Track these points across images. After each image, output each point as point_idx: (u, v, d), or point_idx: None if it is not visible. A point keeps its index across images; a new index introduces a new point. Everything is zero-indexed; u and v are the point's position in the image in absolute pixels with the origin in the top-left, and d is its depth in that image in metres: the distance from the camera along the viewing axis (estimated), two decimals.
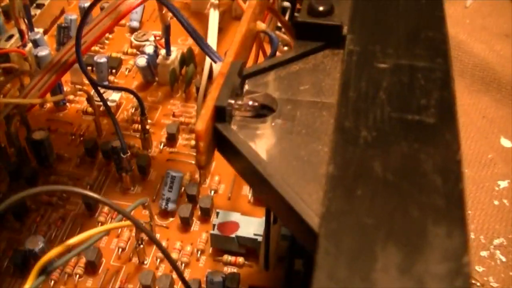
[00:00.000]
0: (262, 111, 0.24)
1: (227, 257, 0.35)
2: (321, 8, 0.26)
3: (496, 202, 0.41)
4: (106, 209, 0.38)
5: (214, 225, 0.35)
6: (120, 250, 0.36)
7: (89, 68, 0.46)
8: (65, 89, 0.45)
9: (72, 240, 0.27)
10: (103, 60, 0.45)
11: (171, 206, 0.37)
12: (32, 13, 0.48)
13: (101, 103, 0.39)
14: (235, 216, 0.35)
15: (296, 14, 0.46)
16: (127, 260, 0.36)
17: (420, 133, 0.20)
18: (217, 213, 0.36)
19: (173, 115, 0.44)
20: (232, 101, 0.23)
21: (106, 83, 0.45)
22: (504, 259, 0.38)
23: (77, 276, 0.35)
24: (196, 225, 0.37)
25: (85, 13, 0.33)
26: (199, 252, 0.36)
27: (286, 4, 0.47)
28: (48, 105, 0.45)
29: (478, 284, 0.37)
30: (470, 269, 0.16)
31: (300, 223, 0.19)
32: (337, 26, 0.26)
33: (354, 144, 0.20)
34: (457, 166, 0.19)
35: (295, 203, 0.20)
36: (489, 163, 0.44)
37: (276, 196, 0.20)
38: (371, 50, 0.24)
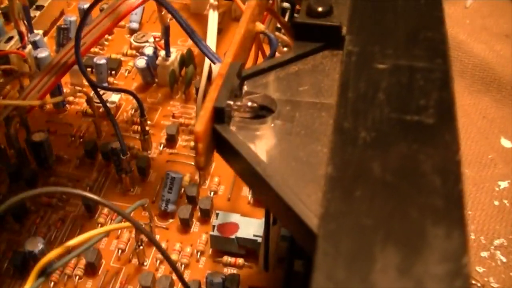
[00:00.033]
0: (261, 112, 0.24)
1: (227, 258, 0.35)
2: (320, 9, 0.26)
3: (496, 203, 0.41)
4: (106, 210, 0.38)
5: (213, 226, 0.35)
6: (120, 251, 0.36)
7: (89, 69, 0.46)
8: (64, 90, 0.45)
9: (72, 242, 0.27)
10: (103, 61, 0.45)
11: (170, 207, 0.37)
12: (32, 14, 0.48)
13: (100, 104, 0.39)
14: (235, 217, 0.35)
15: (295, 15, 0.47)
16: (127, 261, 0.36)
17: (419, 133, 0.20)
18: (217, 214, 0.35)
19: (173, 116, 0.44)
20: (231, 102, 0.23)
21: (105, 84, 0.45)
22: (504, 260, 0.38)
23: (77, 277, 0.35)
24: (196, 226, 0.37)
25: (84, 14, 0.33)
26: (199, 253, 0.36)
27: (286, 5, 0.47)
28: (48, 106, 0.45)
29: (479, 284, 0.37)
30: (469, 270, 0.16)
31: (299, 224, 0.19)
32: (336, 26, 0.26)
33: (353, 145, 0.20)
34: (456, 167, 0.19)
35: (294, 204, 0.20)
36: (489, 164, 0.44)
37: (275, 197, 0.20)
38: (370, 51, 0.24)
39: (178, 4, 0.53)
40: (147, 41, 0.49)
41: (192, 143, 0.42)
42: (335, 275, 0.16)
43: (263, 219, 0.30)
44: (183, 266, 0.35)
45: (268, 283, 0.34)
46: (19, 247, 0.35)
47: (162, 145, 0.42)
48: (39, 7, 0.51)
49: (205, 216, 0.37)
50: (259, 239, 0.34)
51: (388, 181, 0.19)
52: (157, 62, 0.46)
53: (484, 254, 0.38)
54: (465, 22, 0.55)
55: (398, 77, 0.23)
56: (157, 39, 0.47)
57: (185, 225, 0.37)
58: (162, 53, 0.45)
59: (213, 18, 0.38)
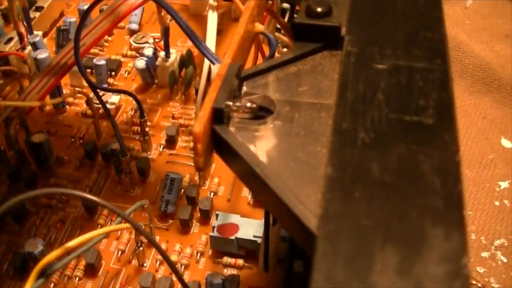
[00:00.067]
0: (260, 113, 0.24)
1: (227, 259, 0.35)
2: (319, 9, 0.26)
3: (497, 203, 0.41)
4: (105, 211, 0.38)
5: (213, 227, 0.35)
6: (119, 252, 0.36)
7: (89, 70, 0.46)
8: (64, 91, 0.45)
9: (72, 243, 0.27)
10: (102, 62, 0.45)
11: (170, 208, 0.37)
12: (31, 16, 0.48)
13: (100, 105, 0.39)
14: (235, 218, 0.35)
15: (295, 15, 0.46)
16: (126, 262, 0.36)
17: (418, 134, 0.20)
18: (217, 215, 0.35)
19: (173, 117, 0.44)
20: (230, 103, 0.23)
21: (105, 85, 0.45)
22: (505, 260, 0.38)
23: (77, 278, 0.35)
24: (195, 227, 0.37)
25: (84, 15, 0.33)
26: (198, 254, 0.36)
27: (286, 5, 0.47)
28: (48, 107, 0.45)
29: (479, 285, 0.37)
30: (469, 271, 0.16)
31: (298, 224, 0.19)
32: (335, 27, 0.26)
33: (352, 145, 0.20)
34: (456, 167, 0.19)
35: (293, 204, 0.20)
36: (489, 164, 0.44)
37: (274, 198, 0.20)
38: (369, 51, 0.24)
39: (177, 5, 0.53)
40: (146, 42, 0.49)
41: (192, 144, 0.42)
42: (335, 276, 0.16)
43: (263, 220, 0.30)
44: (183, 267, 0.35)
45: (268, 284, 0.34)
46: (19, 248, 0.35)
47: (162, 146, 0.42)
48: (39, 8, 0.51)
49: (205, 217, 0.37)
50: (259, 240, 0.34)
51: (387, 182, 0.19)
52: (157, 63, 0.46)
53: (485, 254, 0.38)
54: (465, 22, 0.55)
55: (398, 78, 0.23)
56: (156, 40, 0.48)
57: (185, 226, 0.37)
58: (161, 54, 0.45)
59: (212, 19, 0.38)
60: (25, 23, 0.44)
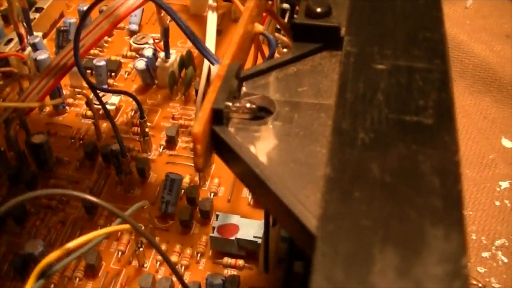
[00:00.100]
0: (260, 113, 0.24)
1: (227, 260, 0.35)
2: (318, 10, 0.26)
3: (497, 203, 0.41)
4: (106, 212, 0.38)
5: (214, 228, 0.35)
6: (120, 253, 0.36)
7: (88, 71, 0.46)
8: (64, 92, 0.45)
9: (72, 244, 0.27)
10: (102, 63, 0.45)
11: (170, 209, 0.37)
12: (31, 17, 0.48)
13: (100, 106, 0.39)
14: (235, 219, 0.35)
15: (295, 15, 0.46)
16: (127, 263, 0.36)
17: (418, 134, 0.20)
18: (217, 216, 0.35)
19: (173, 118, 0.44)
20: (230, 104, 0.23)
21: (105, 86, 0.45)
22: (506, 260, 0.38)
23: (77, 279, 0.35)
24: (195, 227, 0.37)
25: (83, 16, 0.33)
26: (199, 255, 0.36)
27: (286, 6, 0.47)
28: (48, 108, 0.45)
29: (480, 285, 0.36)
30: (468, 271, 0.16)
31: (298, 225, 0.19)
32: (334, 27, 0.26)
33: (352, 145, 0.20)
34: (455, 167, 0.19)
35: (293, 205, 0.20)
36: (490, 164, 0.44)
37: (273, 198, 0.20)
38: (369, 52, 0.24)
39: (177, 6, 0.53)
40: (146, 43, 0.49)
41: (192, 145, 0.42)
42: (334, 276, 0.16)
43: (263, 221, 0.30)
44: (183, 267, 0.35)
45: (268, 285, 0.34)
46: (19, 249, 0.35)
47: (162, 147, 0.42)
48: (39, 9, 0.51)
49: (205, 218, 0.37)
50: (259, 241, 0.34)
51: (387, 182, 0.19)
52: (157, 63, 0.46)
53: (485, 254, 0.38)
54: (465, 22, 0.55)
55: (397, 78, 0.23)
56: (156, 41, 0.48)
57: (185, 227, 0.37)
58: (161, 54, 0.45)
59: (212, 19, 0.38)
60: (25, 24, 0.44)
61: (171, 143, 0.42)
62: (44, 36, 0.49)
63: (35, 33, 0.46)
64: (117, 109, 0.45)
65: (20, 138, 0.39)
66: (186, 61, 0.46)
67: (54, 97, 0.42)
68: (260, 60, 0.35)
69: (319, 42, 0.26)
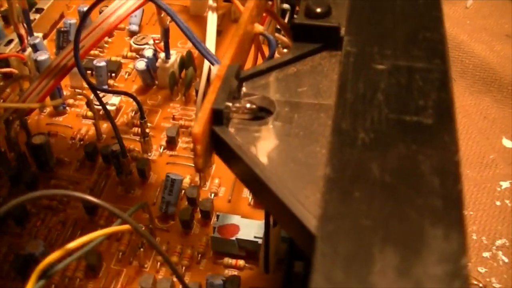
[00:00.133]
0: (260, 114, 0.24)
1: (228, 260, 0.35)
2: (318, 10, 0.26)
3: (498, 203, 0.41)
4: (106, 212, 0.38)
5: (214, 228, 0.35)
6: (120, 253, 0.36)
7: (89, 72, 0.46)
8: (64, 93, 0.45)
9: (73, 244, 0.27)
10: (103, 64, 0.45)
11: (171, 209, 0.37)
12: (31, 17, 0.48)
13: (100, 107, 0.39)
14: (235, 219, 0.35)
15: (295, 16, 0.46)
16: (127, 263, 0.36)
17: (418, 134, 0.20)
18: (217, 216, 0.35)
19: (173, 118, 0.44)
20: (230, 104, 0.23)
21: (105, 87, 0.45)
22: (506, 260, 0.38)
23: (78, 279, 0.35)
24: (196, 228, 0.37)
25: (83, 16, 0.33)
26: (199, 255, 0.36)
27: (286, 6, 0.47)
28: (48, 109, 0.45)
29: (481, 285, 0.36)
30: (468, 271, 0.16)
31: (298, 225, 0.19)
32: (334, 27, 0.26)
33: (352, 146, 0.20)
34: (455, 167, 0.19)
35: (293, 205, 0.20)
36: (490, 164, 0.44)
37: (273, 199, 0.20)
38: (368, 52, 0.24)
39: (177, 6, 0.53)
40: (147, 43, 0.49)
41: (192, 145, 0.42)
42: (334, 276, 0.16)
43: (263, 221, 0.30)
44: (183, 268, 0.35)
45: (268, 285, 0.34)
46: (20, 250, 0.35)
47: (162, 147, 0.42)
48: (39, 10, 0.51)
49: (206, 218, 0.37)
50: (260, 241, 0.34)
51: (386, 182, 0.19)
52: (157, 64, 0.46)
53: (486, 254, 0.38)
54: (466, 22, 0.55)
55: (397, 78, 0.23)
56: (156, 41, 0.48)
57: (186, 227, 0.37)
58: (162, 55, 0.45)
59: (212, 20, 0.38)
60: (25, 25, 0.45)
61: (171, 143, 0.42)
62: (44, 37, 0.50)
63: (35, 34, 0.46)
64: (118, 109, 0.45)
65: (20, 139, 0.39)
66: (186, 62, 0.46)
67: (55, 98, 0.42)
68: (260, 60, 0.35)
69: (319, 42, 0.26)
